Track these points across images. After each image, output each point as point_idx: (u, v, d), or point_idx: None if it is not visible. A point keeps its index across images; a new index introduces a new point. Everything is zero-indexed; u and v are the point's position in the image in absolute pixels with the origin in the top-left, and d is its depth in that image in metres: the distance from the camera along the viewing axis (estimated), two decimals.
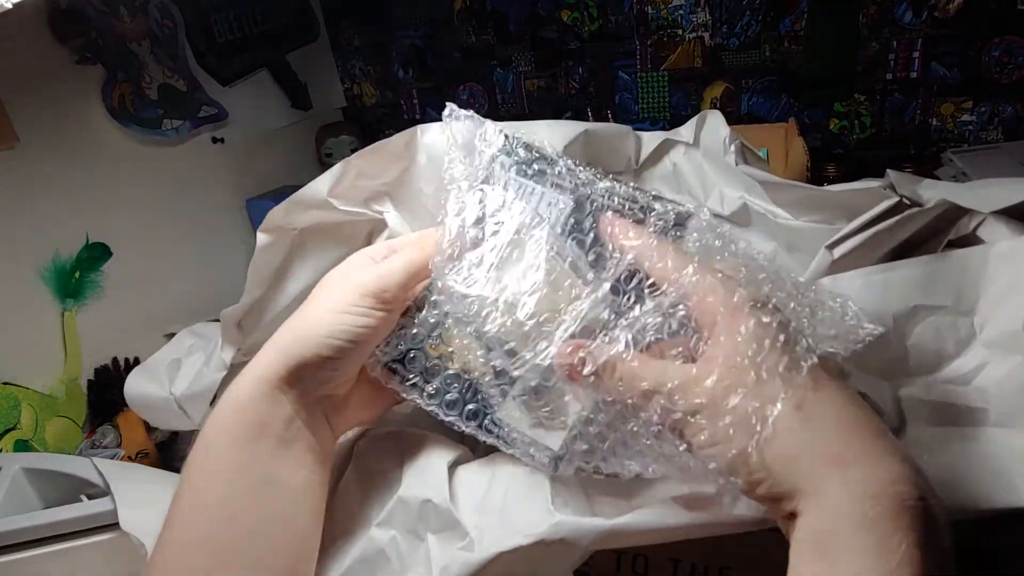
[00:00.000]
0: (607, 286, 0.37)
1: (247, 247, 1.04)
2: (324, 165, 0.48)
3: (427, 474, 0.41)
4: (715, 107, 0.97)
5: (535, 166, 0.41)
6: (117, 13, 0.82)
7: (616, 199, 0.39)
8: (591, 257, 0.39)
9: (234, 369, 0.55)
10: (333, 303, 0.39)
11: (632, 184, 0.40)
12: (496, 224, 0.40)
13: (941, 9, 0.86)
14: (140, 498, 0.50)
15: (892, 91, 0.92)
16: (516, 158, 0.41)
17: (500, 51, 1.09)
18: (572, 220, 0.40)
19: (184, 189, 0.93)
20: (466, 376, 0.40)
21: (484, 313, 0.39)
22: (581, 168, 0.41)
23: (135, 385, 0.60)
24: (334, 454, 0.46)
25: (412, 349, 0.41)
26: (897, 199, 0.43)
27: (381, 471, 0.43)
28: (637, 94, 1.05)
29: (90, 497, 0.54)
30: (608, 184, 0.40)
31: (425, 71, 1.15)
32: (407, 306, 0.42)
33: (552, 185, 0.40)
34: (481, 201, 0.41)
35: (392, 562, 0.39)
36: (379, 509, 0.41)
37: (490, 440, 0.40)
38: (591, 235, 0.39)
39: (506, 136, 0.42)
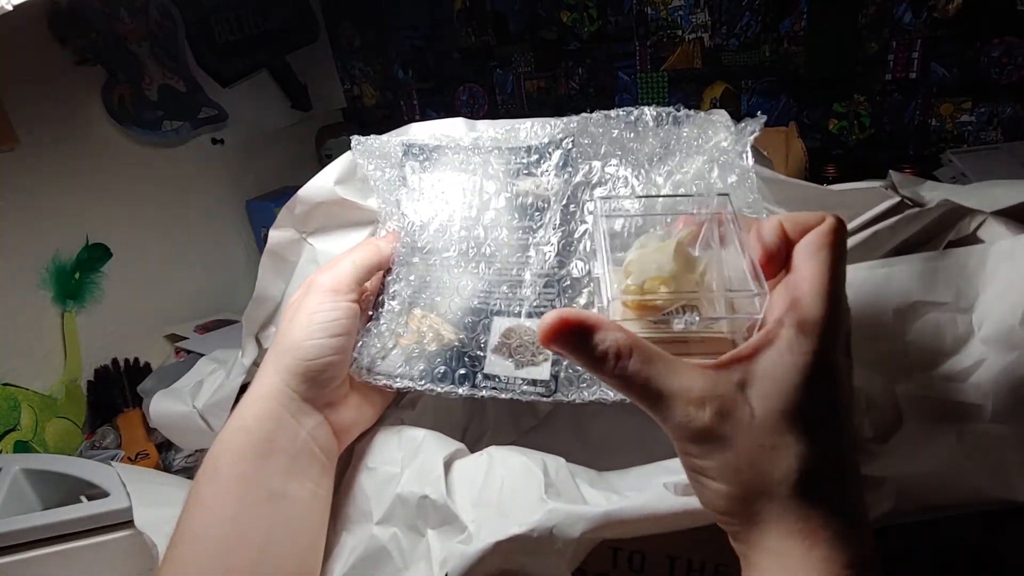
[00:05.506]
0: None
1: (247, 248, 1.04)
2: (324, 166, 0.49)
3: (424, 471, 0.41)
4: (715, 107, 0.97)
5: (434, 156, 0.49)
6: (117, 14, 0.82)
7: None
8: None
9: (254, 371, 0.54)
10: (304, 311, 0.43)
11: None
12: (422, 212, 0.48)
13: (940, 10, 0.86)
14: (154, 498, 0.50)
15: (891, 91, 0.92)
16: (419, 158, 0.49)
17: (500, 51, 1.09)
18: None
19: (184, 190, 0.93)
20: (444, 348, 0.43)
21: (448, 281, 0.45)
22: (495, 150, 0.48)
23: (159, 404, 0.60)
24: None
25: (387, 346, 0.45)
26: (898, 199, 0.43)
27: (380, 470, 0.43)
28: (637, 95, 1.05)
29: (90, 498, 0.54)
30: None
31: (425, 72, 1.15)
32: (369, 301, 0.47)
33: (451, 168, 0.48)
34: (406, 200, 0.49)
35: (394, 559, 0.40)
36: (379, 507, 0.41)
37: (487, 394, 0.42)
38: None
39: (404, 144, 0.50)
